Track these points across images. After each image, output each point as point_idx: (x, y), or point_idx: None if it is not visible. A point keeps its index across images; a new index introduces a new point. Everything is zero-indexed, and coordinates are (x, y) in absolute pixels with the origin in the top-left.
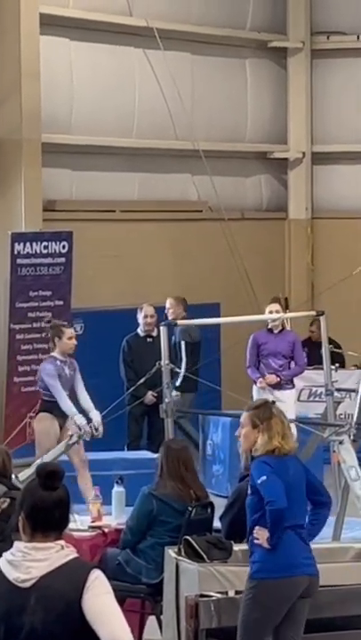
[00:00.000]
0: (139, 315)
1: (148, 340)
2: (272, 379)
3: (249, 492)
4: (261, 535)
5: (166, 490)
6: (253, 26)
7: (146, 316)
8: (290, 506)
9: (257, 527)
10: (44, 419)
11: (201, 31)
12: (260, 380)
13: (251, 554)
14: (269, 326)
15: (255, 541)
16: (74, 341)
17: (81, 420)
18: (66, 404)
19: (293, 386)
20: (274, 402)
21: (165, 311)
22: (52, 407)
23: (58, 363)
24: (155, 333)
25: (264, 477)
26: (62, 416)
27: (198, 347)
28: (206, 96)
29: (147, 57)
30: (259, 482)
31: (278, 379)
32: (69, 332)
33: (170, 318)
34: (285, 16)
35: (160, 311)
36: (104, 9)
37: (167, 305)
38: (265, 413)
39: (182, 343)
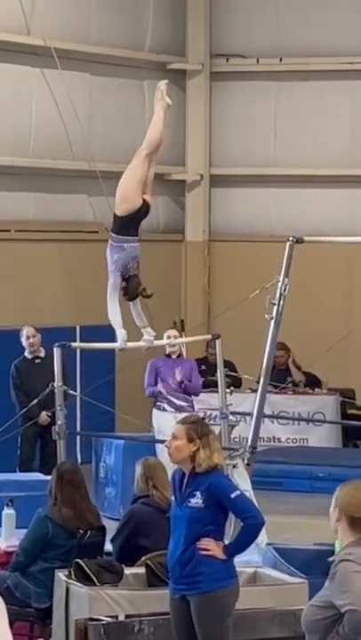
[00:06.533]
0: (21, 337)
1: (37, 361)
2: None
3: (201, 504)
4: (214, 547)
5: (61, 514)
6: (152, 47)
7: (28, 337)
8: None
9: (206, 539)
10: None
11: (99, 51)
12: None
13: (190, 565)
14: (167, 352)
15: (204, 552)
16: None
17: None
18: None
19: (194, 408)
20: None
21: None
22: None
23: None
24: (42, 354)
25: (238, 492)
26: None
27: None
28: (104, 117)
29: (44, 76)
30: (233, 495)
31: None
32: None
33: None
34: (185, 38)
35: (55, 332)
36: (1, 27)
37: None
38: (203, 429)
39: None
